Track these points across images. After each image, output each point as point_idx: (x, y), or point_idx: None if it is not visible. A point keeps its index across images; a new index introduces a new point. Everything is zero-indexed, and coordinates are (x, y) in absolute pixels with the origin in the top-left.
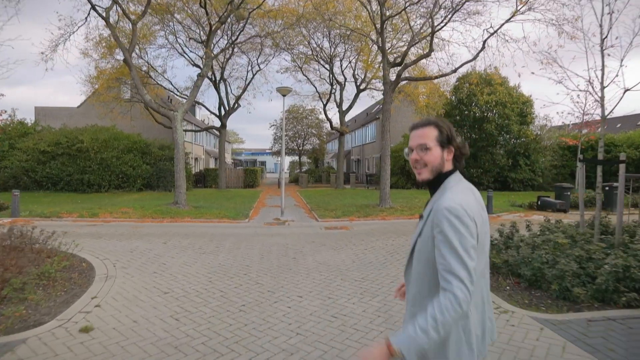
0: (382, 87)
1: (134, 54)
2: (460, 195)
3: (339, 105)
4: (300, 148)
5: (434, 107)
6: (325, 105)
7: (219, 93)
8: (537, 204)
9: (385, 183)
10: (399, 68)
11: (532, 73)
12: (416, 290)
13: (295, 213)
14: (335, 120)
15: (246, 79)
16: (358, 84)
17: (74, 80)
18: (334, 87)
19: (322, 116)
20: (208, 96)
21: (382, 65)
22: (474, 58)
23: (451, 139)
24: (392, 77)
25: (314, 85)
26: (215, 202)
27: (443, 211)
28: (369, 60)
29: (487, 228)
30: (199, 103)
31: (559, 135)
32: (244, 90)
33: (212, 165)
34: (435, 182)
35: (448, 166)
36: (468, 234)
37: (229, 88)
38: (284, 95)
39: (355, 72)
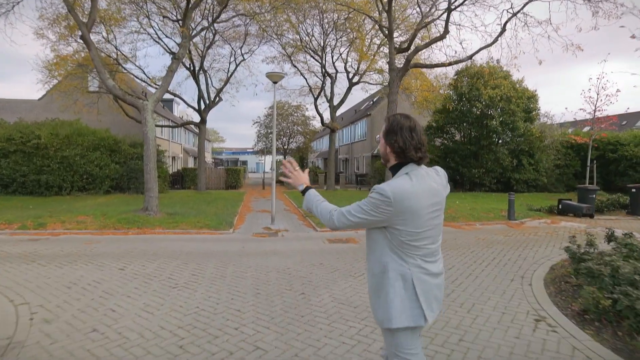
0: (377, 80)
1: (100, 38)
2: (395, 181)
3: (330, 100)
4: (286, 147)
5: (433, 101)
6: (316, 100)
7: (198, 85)
8: (558, 208)
9: None
10: (407, 53)
11: (633, 36)
12: (371, 252)
13: (287, 220)
14: (326, 116)
15: (228, 70)
16: (350, 77)
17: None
18: (325, 80)
19: (309, 113)
20: (186, 88)
21: (388, 50)
22: (493, 42)
23: (388, 133)
24: (398, 64)
25: (304, 77)
26: (193, 207)
27: (374, 188)
28: (365, 47)
29: (427, 207)
30: (176, 96)
31: (565, 133)
32: (226, 82)
33: (190, 164)
34: (394, 172)
35: (392, 158)
36: (374, 207)
37: (209, 80)
38: (275, 83)
39: (348, 64)
